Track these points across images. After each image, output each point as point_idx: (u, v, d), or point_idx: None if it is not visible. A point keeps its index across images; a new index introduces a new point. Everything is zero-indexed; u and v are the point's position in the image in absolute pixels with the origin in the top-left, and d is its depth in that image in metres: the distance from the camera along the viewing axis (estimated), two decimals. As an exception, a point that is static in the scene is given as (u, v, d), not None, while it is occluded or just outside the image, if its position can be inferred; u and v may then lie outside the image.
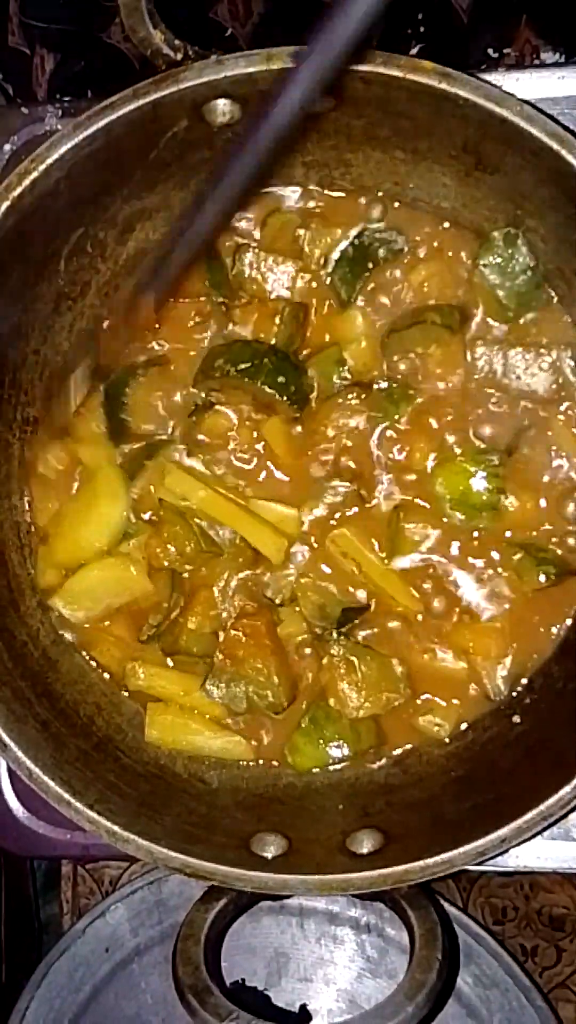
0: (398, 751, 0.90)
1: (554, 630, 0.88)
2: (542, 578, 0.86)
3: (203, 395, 0.89)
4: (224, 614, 0.89)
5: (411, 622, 0.89)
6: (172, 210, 0.87)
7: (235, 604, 0.89)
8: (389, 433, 0.89)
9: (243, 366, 0.86)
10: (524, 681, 0.88)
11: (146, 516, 0.90)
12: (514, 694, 0.88)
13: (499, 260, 0.85)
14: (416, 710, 0.89)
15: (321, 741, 0.88)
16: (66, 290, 0.88)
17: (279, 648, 0.88)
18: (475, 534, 0.88)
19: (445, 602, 0.89)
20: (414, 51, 1.29)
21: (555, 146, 0.74)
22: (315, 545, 0.89)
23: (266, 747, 0.91)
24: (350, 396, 0.88)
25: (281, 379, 0.86)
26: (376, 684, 0.87)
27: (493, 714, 0.88)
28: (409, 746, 0.89)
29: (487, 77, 0.81)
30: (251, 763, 0.91)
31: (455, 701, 0.89)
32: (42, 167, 0.76)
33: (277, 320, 0.88)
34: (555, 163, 0.75)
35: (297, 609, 0.89)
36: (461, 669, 0.88)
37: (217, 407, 0.89)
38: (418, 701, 0.89)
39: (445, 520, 0.88)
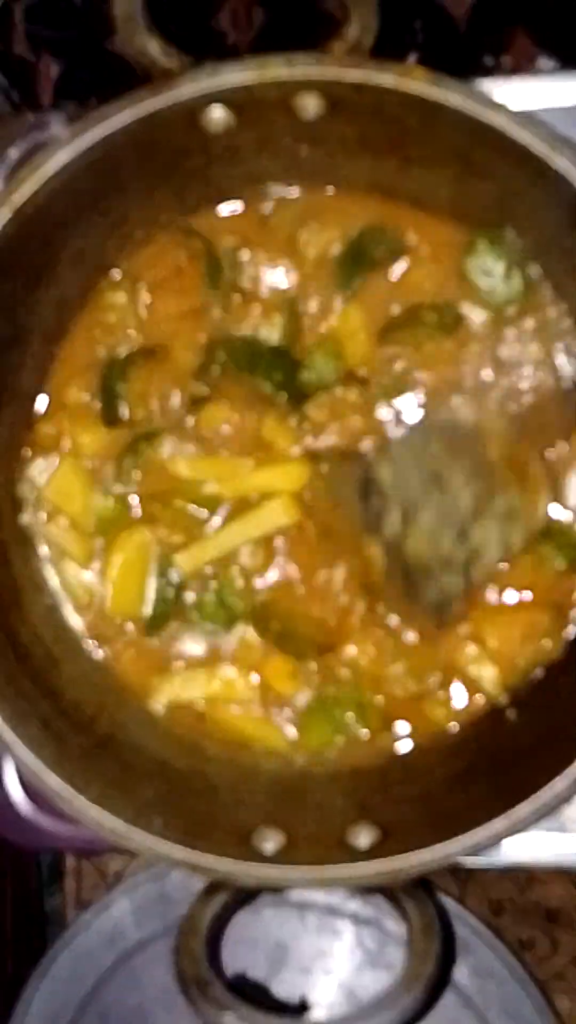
0: (397, 746, 0.90)
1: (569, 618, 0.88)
2: (560, 563, 0.87)
3: (204, 388, 0.90)
4: None
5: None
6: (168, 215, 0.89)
7: None
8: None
9: (242, 360, 0.88)
10: (539, 671, 0.88)
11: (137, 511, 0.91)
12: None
13: (486, 262, 0.87)
14: (429, 698, 0.89)
15: (329, 721, 0.89)
16: (67, 297, 0.90)
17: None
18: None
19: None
20: (411, 59, 1.29)
21: (544, 150, 0.75)
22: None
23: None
24: (348, 393, 0.89)
25: (279, 374, 0.88)
26: (395, 669, 0.88)
27: (491, 707, 0.89)
28: (411, 739, 0.90)
29: (484, 84, 0.82)
30: (252, 760, 0.91)
31: (468, 690, 0.89)
32: (39, 175, 0.77)
33: (276, 317, 0.89)
34: (544, 167, 0.76)
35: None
36: (479, 656, 0.88)
37: (216, 400, 0.90)
38: (432, 689, 0.89)
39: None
